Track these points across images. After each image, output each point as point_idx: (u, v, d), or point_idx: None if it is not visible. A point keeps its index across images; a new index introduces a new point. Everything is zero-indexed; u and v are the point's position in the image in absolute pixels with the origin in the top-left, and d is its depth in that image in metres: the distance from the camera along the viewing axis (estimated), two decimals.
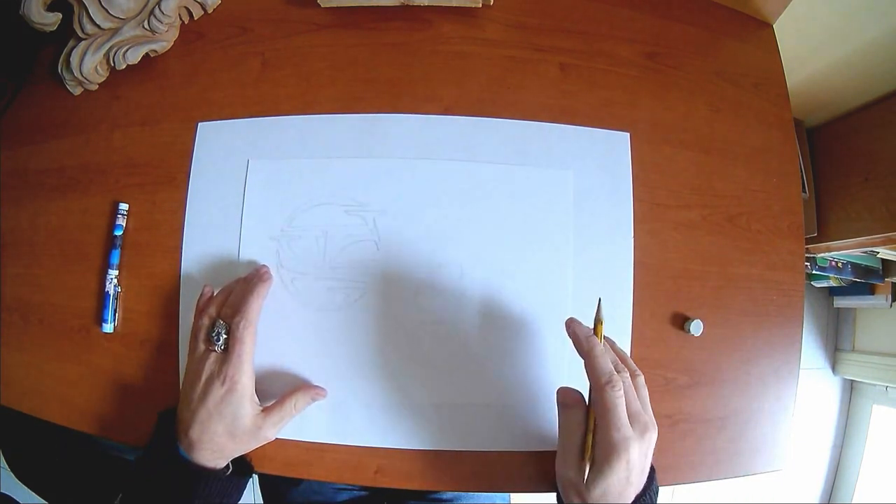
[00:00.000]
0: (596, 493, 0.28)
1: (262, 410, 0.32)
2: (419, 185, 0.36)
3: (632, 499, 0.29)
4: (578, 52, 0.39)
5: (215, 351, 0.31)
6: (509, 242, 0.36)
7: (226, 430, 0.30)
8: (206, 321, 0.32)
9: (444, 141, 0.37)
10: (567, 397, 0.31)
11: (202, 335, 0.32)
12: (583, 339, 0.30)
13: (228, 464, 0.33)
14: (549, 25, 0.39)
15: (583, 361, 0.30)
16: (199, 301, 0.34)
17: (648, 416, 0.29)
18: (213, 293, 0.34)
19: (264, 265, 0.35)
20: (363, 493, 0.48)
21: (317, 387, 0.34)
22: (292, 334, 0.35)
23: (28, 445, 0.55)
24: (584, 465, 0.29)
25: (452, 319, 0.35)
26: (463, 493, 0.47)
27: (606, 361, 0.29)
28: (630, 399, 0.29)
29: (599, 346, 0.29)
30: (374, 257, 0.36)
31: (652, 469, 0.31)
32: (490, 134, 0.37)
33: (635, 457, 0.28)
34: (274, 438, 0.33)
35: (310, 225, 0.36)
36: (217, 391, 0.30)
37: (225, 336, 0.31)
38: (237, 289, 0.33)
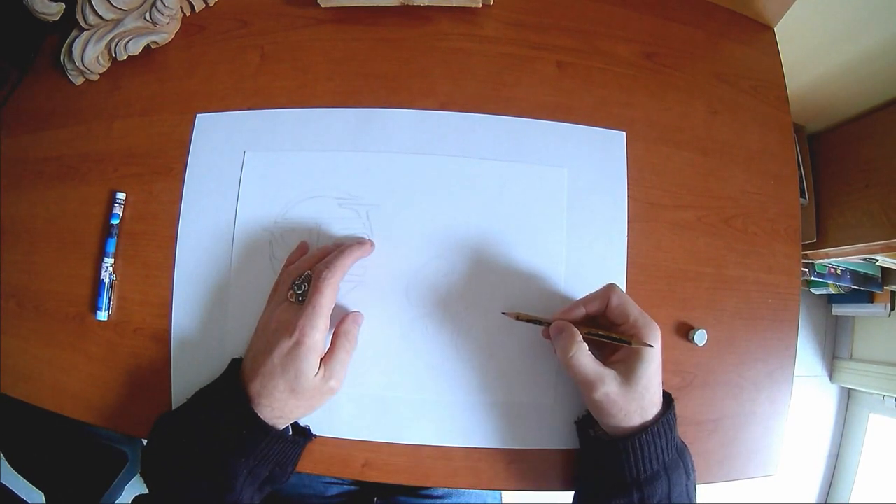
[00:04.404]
0: (640, 386, 0.28)
1: (322, 363, 0.29)
2: (413, 179, 0.36)
3: (660, 406, 0.30)
4: (576, 50, 0.39)
5: (292, 302, 0.30)
6: (502, 239, 0.36)
7: (288, 387, 0.28)
8: (292, 271, 0.31)
9: (440, 136, 0.37)
10: (558, 326, 0.31)
11: (285, 285, 0.30)
12: (561, 312, 0.31)
13: (289, 426, 0.31)
14: (547, 23, 0.40)
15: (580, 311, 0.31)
16: (291, 254, 0.33)
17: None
18: (307, 249, 0.33)
19: (369, 241, 0.34)
20: (353, 487, 0.48)
21: (352, 313, 0.33)
22: None
23: (22, 434, 0.55)
24: (613, 370, 0.29)
25: (442, 314, 0.35)
26: (454, 490, 0.47)
27: (591, 294, 0.31)
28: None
29: (575, 301, 0.32)
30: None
31: (666, 392, 0.31)
32: (485, 130, 0.37)
33: (659, 349, 0.29)
34: (339, 388, 0.30)
35: (303, 217, 0.36)
36: (285, 343, 0.28)
37: (306, 287, 0.29)
38: (334, 251, 0.32)
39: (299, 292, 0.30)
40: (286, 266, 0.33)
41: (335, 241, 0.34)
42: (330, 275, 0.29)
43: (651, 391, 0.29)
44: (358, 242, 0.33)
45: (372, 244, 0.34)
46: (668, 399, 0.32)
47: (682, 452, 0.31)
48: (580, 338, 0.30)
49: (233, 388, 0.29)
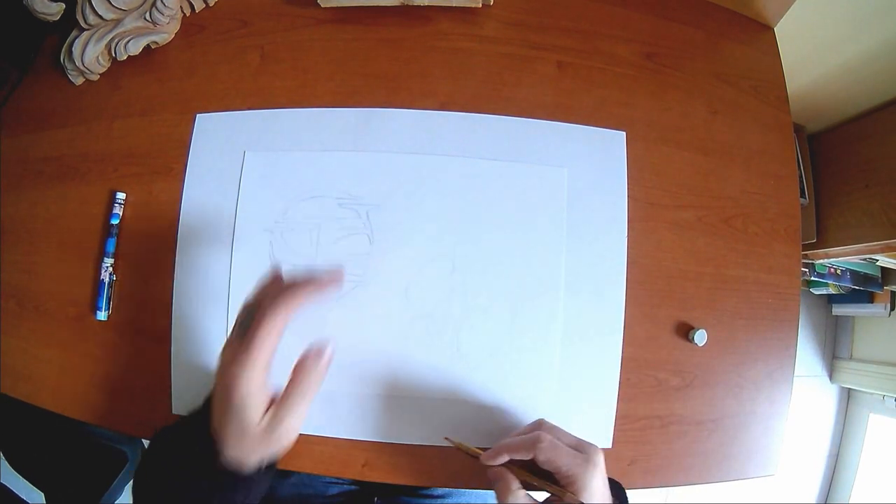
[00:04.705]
0: None
1: (271, 404, 0.26)
2: (413, 179, 0.36)
3: None
4: (576, 50, 0.39)
5: (233, 338, 0.26)
6: (502, 239, 0.36)
7: (235, 432, 0.25)
8: (246, 301, 0.27)
9: (440, 136, 0.37)
10: (494, 473, 0.30)
11: (237, 317, 0.27)
12: (493, 453, 0.30)
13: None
14: (547, 24, 0.40)
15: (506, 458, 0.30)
16: (258, 283, 0.27)
17: (583, 440, 0.30)
18: (278, 276, 0.27)
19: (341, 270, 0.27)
20: (353, 487, 0.48)
21: (317, 344, 0.27)
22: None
23: (22, 434, 0.55)
24: None
25: (443, 314, 0.35)
26: (454, 490, 0.47)
27: (518, 439, 0.30)
28: (560, 436, 0.30)
29: (502, 444, 0.30)
30: (367, 250, 0.36)
31: (616, 483, 0.31)
32: (485, 130, 0.37)
33: (602, 474, 0.28)
34: (294, 436, 0.27)
35: (303, 217, 0.36)
36: (220, 387, 0.26)
37: (248, 317, 0.25)
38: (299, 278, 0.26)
39: (241, 329, 0.25)
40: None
41: (308, 270, 0.27)
42: (273, 310, 0.24)
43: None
44: (326, 277, 0.26)
45: (340, 280, 0.27)
46: (619, 491, 0.31)
47: None
48: (516, 485, 0.29)
49: (201, 430, 0.27)
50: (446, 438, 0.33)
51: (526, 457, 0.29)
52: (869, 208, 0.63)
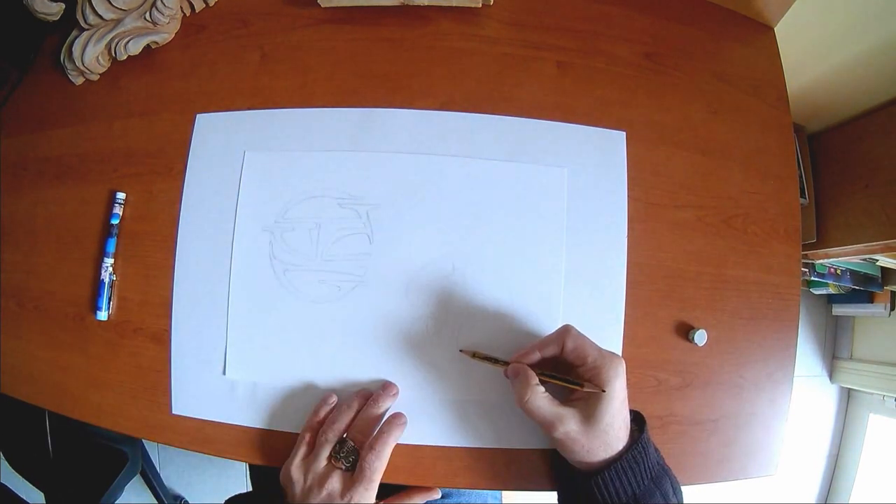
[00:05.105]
0: (602, 424, 0.28)
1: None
2: (413, 179, 0.36)
3: (626, 440, 0.30)
4: (576, 50, 0.39)
5: (341, 469, 0.31)
6: (502, 239, 0.36)
7: None
8: (331, 437, 0.32)
9: (440, 136, 0.37)
10: (514, 370, 0.31)
11: (325, 449, 0.32)
12: (517, 355, 0.32)
13: None
14: (547, 23, 0.40)
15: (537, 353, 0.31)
16: (319, 407, 0.34)
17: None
18: (335, 402, 0.34)
19: (394, 387, 0.34)
20: None
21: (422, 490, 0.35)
22: (283, 326, 0.35)
23: (22, 434, 0.55)
24: (573, 409, 0.29)
25: (443, 314, 0.35)
26: (453, 490, 0.47)
27: (546, 336, 0.31)
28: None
29: (530, 344, 0.32)
30: (367, 251, 0.36)
31: (635, 412, 0.32)
32: (485, 130, 0.37)
33: (624, 381, 0.29)
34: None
35: (303, 217, 0.36)
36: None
37: (353, 458, 0.32)
38: (367, 413, 0.33)
39: (347, 464, 0.31)
40: (314, 414, 0.34)
41: (360, 391, 0.34)
42: (379, 465, 0.31)
43: (616, 427, 0.29)
44: (396, 421, 0.33)
45: (405, 418, 0.34)
46: (639, 421, 0.31)
47: (659, 480, 0.30)
48: (535, 381, 0.30)
49: None
50: (461, 351, 0.34)
51: (555, 351, 0.31)
52: (869, 208, 0.63)
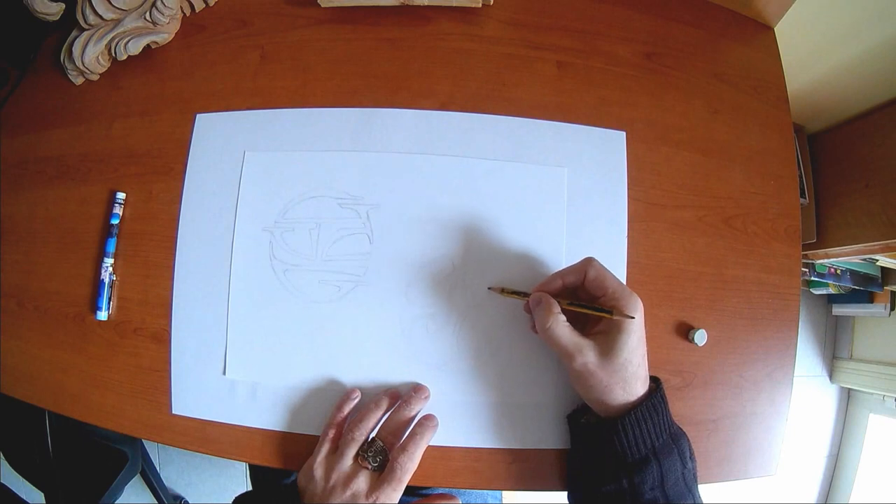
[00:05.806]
0: (620, 358, 0.28)
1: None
2: (414, 179, 0.36)
3: (644, 390, 0.29)
4: (576, 50, 0.39)
5: (368, 469, 0.31)
6: (502, 239, 0.36)
7: None
8: (358, 435, 0.31)
9: (440, 136, 0.37)
10: (536, 298, 0.31)
11: (352, 448, 0.31)
12: (539, 284, 0.32)
13: None
14: (547, 24, 0.40)
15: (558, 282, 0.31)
16: (343, 403, 0.33)
17: None
18: (358, 398, 0.33)
19: (426, 390, 0.34)
20: None
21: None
22: (283, 326, 0.36)
23: (22, 434, 0.55)
24: (592, 341, 0.29)
25: (444, 314, 0.35)
26: (454, 490, 0.47)
27: (569, 266, 0.31)
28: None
29: (554, 273, 0.32)
30: (367, 250, 0.36)
31: (657, 378, 0.32)
32: (485, 130, 0.37)
33: (641, 320, 0.29)
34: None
35: (303, 217, 0.36)
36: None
37: (381, 459, 0.31)
38: (399, 415, 0.33)
39: (375, 464, 0.31)
40: (338, 410, 0.33)
41: (387, 390, 0.34)
42: (411, 466, 0.31)
43: (634, 364, 0.29)
44: (428, 422, 0.33)
45: (436, 420, 0.33)
46: (656, 382, 0.32)
47: (676, 438, 0.30)
48: (558, 309, 0.30)
49: None
50: (490, 288, 0.34)
51: (577, 279, 0.31)
52: (869, 208, 0.63)
